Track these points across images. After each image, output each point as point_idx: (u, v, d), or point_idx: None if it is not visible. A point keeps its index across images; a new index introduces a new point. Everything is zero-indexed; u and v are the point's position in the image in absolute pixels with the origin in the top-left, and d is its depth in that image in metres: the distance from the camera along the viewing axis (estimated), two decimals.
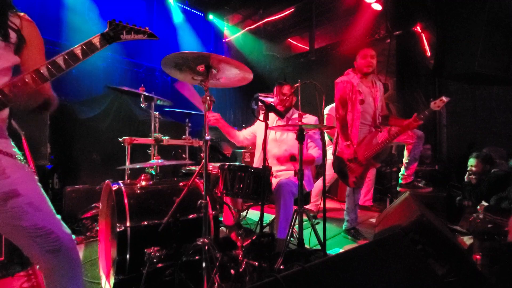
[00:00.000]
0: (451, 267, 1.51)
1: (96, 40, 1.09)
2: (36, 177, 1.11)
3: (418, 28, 4.50)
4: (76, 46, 1.07)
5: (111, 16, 1.16)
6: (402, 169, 3.02)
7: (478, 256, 1.92)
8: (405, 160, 2.95)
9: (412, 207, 1.85)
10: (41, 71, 1.02)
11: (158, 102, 2.76)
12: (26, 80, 1.00)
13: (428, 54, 4.47)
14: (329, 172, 3.60)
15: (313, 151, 2.43)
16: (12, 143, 1.11)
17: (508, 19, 3.20)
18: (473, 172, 2.97)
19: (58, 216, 1.10)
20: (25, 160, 1.10)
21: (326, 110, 3.71)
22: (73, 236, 1.12)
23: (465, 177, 3.09)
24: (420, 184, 3.08)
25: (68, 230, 1.10)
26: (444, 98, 2.56)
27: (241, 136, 2.63)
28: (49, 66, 1.02)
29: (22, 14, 1.14)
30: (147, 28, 1.19)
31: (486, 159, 2.96)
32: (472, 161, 3.02)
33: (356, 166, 2.64)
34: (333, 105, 3.27)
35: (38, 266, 1.08)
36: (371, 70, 2.70)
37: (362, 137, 2.70)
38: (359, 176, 2.66)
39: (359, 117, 2.68)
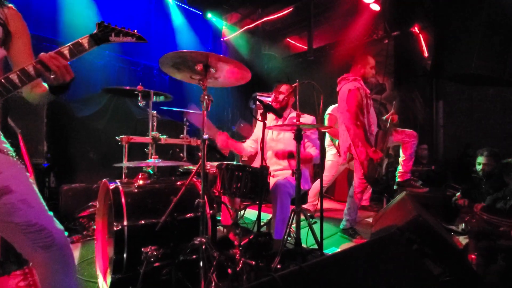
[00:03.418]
0: (446, 266, 1.53)
1: (84, 41, 1.10)
2: (28, 174, 1.10)
3: (416, 29, 4.52)
4: (64, 46, 1.07)
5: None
6: (399, 167, 3.06)
7: (473, 256, 1.94)
8: (401, 158, 3.00)
9: (408, 207, 1.86)
10: (28, 69, 1.02)
11: (161, 98, 2.75)
12: (11, 77, 1.00)
13: (426, 54, 4.50)
14: (328, 173, 3.62)
15: (311, 150, 2.43)
16: (3, 139, 1.10)
17: (506, 20, 3.22)
18: (486, 170, 2.92)
19: (50, 213, 1.10)
20: (17, 156, 1.09)
21: (328, 110, 3.71)
22: (66, 233, 1.12)
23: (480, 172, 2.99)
24: (416, 184, 3.11)
25: (60, 226, 1.10)
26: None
27: (248, 148, 2.66)
28: (36, 65, 1.02)
29: (9, 5, 1.13)
30: (135, 31, 1.21)
31: (497, 155, 2.91)
32: (481, 159, 2.93)
33: (381, 168, 2.68)
34: (335, 106, 3.32)
35: (31, 263, 1.08)
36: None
37: (373, 140, 2.75)
38: (381, 175, 2.71)
39: (373, 122, 2.76)
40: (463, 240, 2.38)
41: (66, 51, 1.06)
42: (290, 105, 2.55)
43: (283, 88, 2.48)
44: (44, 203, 1.09)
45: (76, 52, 1.08)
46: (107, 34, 1.14)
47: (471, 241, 2.16)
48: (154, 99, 2.62)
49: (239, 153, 2.67)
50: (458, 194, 3.01)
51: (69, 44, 1.07)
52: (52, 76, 1.04)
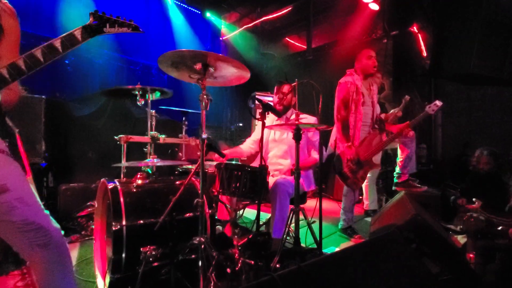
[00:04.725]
0: (445, 265, 1.53)
1: (77, 33, 1.05)
2: (23, 172, 1.09)
3: (415, 29, 4.53)
4: (56, 38, 1.03)
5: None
6: (397, 168, 3.05)
7: (471, 255, 1.94)
8: (399, 159, 2.99)
9: (407, 206, 1.86)
10: (18, 64, 0.98)
11: (157, 94, 2.72)
12: (2, 72, 0.97)
13: (424, 54, 4.50)
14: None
15: (313, 152, 2.44)
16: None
17: (505, 20, 3.22)
18: (484, 169, 2.89)
19: (46, 212, 1.09)
20: (12, 155, 1.08)
21: None
22: (62, 232, 1.12)
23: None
24: (415, 183, 3.11)
25: (57, 225, 1.09)
26: (437, 102, 2.65)
27: (247, 149, 2.66)
28: (26, 59, 0.99)
29: (3, 1, 1.10)
30: (131, 20, 1.15)
31: (496, 154, 2.90)
32: (480, 159, 2.89)
33: (357, 167, 2.65)
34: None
35: (28, 262, 1.07)
36: (376, 70, 2.78)
37: (362, 138, 2.73)
38: (359, 177, 2.68)
39: (361, 119, 2.70)
40: (461, 239, 2.39)
41: (58, 44, 1.03)
42: (292, 105, 2.55)
43: (286, 88, 2.48)
44: (40, 202, 1.08)
45: (68, 44, 1.04)
46: (101, 25, 1.08)
47: (470, 240, 2.17)
48: (152, 97, 2.60)
49: (240, 157, 2.67)
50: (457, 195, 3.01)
51: (61, 36, 1.03)
52: None
